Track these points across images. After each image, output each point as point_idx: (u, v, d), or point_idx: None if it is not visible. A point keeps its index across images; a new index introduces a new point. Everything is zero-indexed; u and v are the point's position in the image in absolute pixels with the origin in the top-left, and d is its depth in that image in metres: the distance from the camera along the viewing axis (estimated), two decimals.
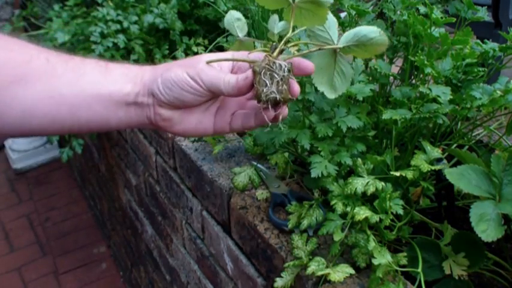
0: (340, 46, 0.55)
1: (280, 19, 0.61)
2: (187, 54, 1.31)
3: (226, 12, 1.24)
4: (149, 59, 1.35)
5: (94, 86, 0.54)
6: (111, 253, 2.30)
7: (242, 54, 0.57)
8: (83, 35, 1.33)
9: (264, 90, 0.51)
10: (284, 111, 0.54)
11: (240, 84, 0.53)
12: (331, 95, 0.58)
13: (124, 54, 1.30)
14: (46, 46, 1.32)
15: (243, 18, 0.65)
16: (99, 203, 2.30)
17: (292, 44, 0.57)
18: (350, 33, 0.54)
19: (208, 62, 0.55)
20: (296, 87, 0.53)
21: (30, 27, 1.85)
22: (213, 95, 0.56)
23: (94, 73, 0.55)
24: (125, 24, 1.28)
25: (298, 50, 0.72)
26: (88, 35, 1.29)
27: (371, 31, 0.53)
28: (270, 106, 0.52)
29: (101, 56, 1.26)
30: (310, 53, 0.56)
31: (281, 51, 0.54)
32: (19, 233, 2.45)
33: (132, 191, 1.59)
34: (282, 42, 0.54)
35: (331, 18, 0.56)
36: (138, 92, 0.56)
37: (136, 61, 1.29)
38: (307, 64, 0.54)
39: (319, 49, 0.56)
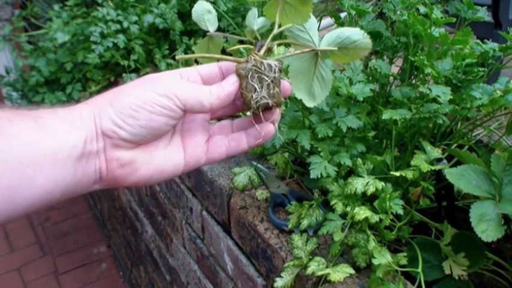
0: (322, 48, 0.50)
1: (259, 14, 0.55)
2: (187, 54, 1.31)
3: (226, 12, 1.25)
4: (149, 59, 1.35)
5: (28, 148, 0.39)
6: (111, 253, 2.30)
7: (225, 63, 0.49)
8: (83, 35, 1.33)
9: (254, 96, 0.44)
10: (278, 115, 0.47)
11: (227, 91, 0.45)
12: (309, 103, 0.52)
13: (124, 54, 1.30)
14: (46, 46, 1.30)
15: (213, 10, 0.57)
16: (99, 203, 2.30)
17: (278, 42, 0.51)
18: (332, 35, 0.50)
19: (178, 59, 0.47)
20: (287, 87, 0.47)
21: (30, 27, 1.85)
22: (183, 116, 0.46)
23: (25, 132, 0.40)
24: (125, 24, 1.28)
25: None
26: (88, 35, 1.29)
27: (354, 33, 0.49)
28: (260, 113, 0.45)
29: (101, 56, 1.26)
30: (290, 56, 0.51)
31: (268, 50, 0.47)
32: (19, 233, 2.45)
33: (132, 190, 1.59)
34: (269, 38, 0.47)
35: (312, 19, 0.51)
36: (85, 139, 0.42)
37: (136, 61, 1.29)
38: (286, 86, 0.47)
39: (302, 52, 0.50)
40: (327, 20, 1.34)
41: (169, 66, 1.29)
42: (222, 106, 0.45)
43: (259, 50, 0.47)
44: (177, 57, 0.50)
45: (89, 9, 1.43)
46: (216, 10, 1.26)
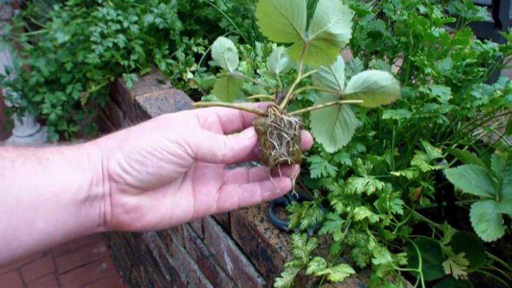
0: (347, 93, 0.47)
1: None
2: (187, 55, 1.32)
3: (226, 12, 1.25)
4: (149, 59, 1.35)
5: (29, 190, 0.37)
6: (111, 253, 2.30)
7: (246, 105, 0.46)
8: (83, 35, 1.33)
9: (272, 153, 0.42)
10: (296, 171, 0.45)
11: (242, 145, 0.43)
12: (330, 149, 0.49)
13: (124, 54, 1.30)
14: (46, 46, 1.30)
15: (234, 48, 0.54)
16: None
17: (300, 89, 0.48)
18: (359, 78, 0.47)
19: (197, 106, 0.45)
20: (308, 139, 0.45)
21: (30, 27, 1.85)
22: (193, 164, 0.44)
23: (27, 174, 0.38)
24: (125, 24, 1.28)
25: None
26: (88, 35, 1.29)
27: (382, 78, 0.46)
28: (278, 169, 0.44)
29: (101, 56, 1.26)
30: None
31: (289, 102, 0.45)
32: None
33: None
34: (291, 89, 0.45)
35: (339, 60, 0.48)
36: (91, 181, 0.40)
37: (136, 61, 1.29)
38: (307, 138, 0.45)
39: (325, 106, 0.47)
40: None
41: (169, 66, 1.29)
42: (236, 159, 0.43)
43: (279, 103, 0.44)
44: (194, 104, 0.46)
45: (89, 9, 1.43)
46: (216, 10, 1.27)
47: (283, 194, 0.46)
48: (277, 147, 0.42)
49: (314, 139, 0.48)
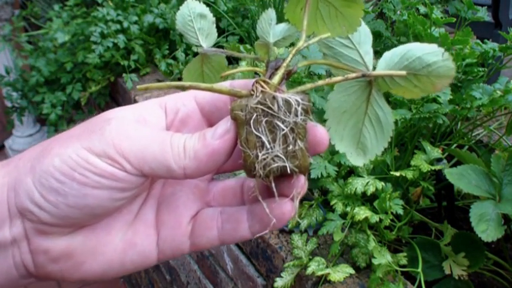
0: (380, 73, 0.31)
1: (279, 19, 0.35)
2: (187, 55, 1.31)
3: (226, 12, 1.24)
4: (149, 59, 1.35)
5: None
6: None
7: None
8: (83, 35, 1.33)
9: (260, 155, 0.27)
10: (302, 187, 0.29)
11: (211, 149, 0.27)
12: (358, 160, 0.33)
13: (124, 54, 1.30)
14: (46, 46, 1.31)
15: (209, 14, 0.38)
16: None
17: (305, 63, 0.33)
18: (394, 54, 0.31)
19: (144, 89, 0.28)
20: (322, 137, 0.29)
21: (30, 27, 1.85)
22: (144, 183, 0.29)
23: None
24: (125, 24, 1.28)
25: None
26: (88, 35, 1.29)
27: (430, 52, 0.30)
28: (272, 183, 0.27)
29: (101, 56, 1.26)
30: (331, 85, 0.31)
31: (288, 75, 0.30)
32: None
33: None
34: (291, 55, 0.30)
35: (364, 28, 0.33)
36: None
37: (136, 61, 1.29)
38: (320, 132, 0.29)
39: (346, 78, 0.31)
40: None
41: (169, 66, 1.29)
42: (205, 171, 0.28)
43: (271, 76, 0.29)
44: (138, 87, 0.29)
45: (89, 9, 1.43)
46: (216, 10, 1.27)
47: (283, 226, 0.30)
48: (268, 145, 0.27)
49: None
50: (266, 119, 0.27)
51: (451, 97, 0.65)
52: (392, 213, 0.61)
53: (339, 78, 0.31)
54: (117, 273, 0.31)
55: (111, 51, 1.27)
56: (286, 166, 0.27)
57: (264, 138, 0.27)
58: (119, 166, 0.27)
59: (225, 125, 0.28)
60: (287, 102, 0.27)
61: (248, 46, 0.86)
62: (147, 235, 0.31)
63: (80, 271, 0.30)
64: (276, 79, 0.29)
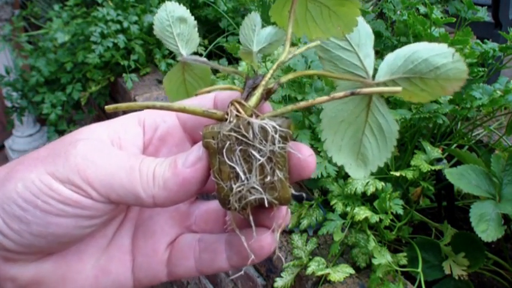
0: (372, 90, 0.29)
1: (266, 21, 0.33)
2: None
3: (226, 12, 1.24)
4: (149, 59, 1.36)
5: None
6: None
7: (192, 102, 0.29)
8: (83, 35, 1.33)
9: (235, 187, 0.25)
10: (284, 218, 0.28)
11: (181, 179, 0.26)
12: (357, 172, 0.31)
13: (124, 54, 1.30)
14: (46, 46, 1.31)
15: (191, 18, 0.36)
16: None
17: (291, 75, 0.29)
18: (398, 57, 0.28)
19: (108, 109, 0.26)
20: (307, 159, 0.26)
21: (30, 27, 1.85)
22: (117, 209, 0.28)
23: None
24: (125, 24, 1.28)
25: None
26: (88, 35, 1.29)
27: (437, 53, 0.27)
28: (250, 216, 0.26)
29: (101, 56, 1.26)
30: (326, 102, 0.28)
31: (268, 94, 0.27)
32: None
33: None
34: (270, 72, 0.27)
35: (364, 27, 0.30)
36: None
37: (136, 61, 1.29)
38: (305, 156, 0.26)
39: (332, 98, 0.28)
40: None
41: (169, 66, 1.29)
42: (176, 201, 0.26)
43: (248, 97, 0.27)
44: (106, 108, 0.27)
45: (89, 9, 1.43)
46: (216, 10, 1.26)
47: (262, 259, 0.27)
48: (243, 176, 0.25)
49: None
50: (240, 147, 0.24)
51: (451, 97, 0.65)
52: (392, 213, 0.61)
53: (324, 98, 0.28)
54: None
55: (111, 51, 1.27)
56: (263, 198, 0.25)
57: (238, 169, 0.25)
58: (84, 193, 0.26)
59: (197, 152, 0.26)
60: (263, 129, 0.24)
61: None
62: (122, 262, 0.30)
63: None
64: (253, 100, 0.27)
